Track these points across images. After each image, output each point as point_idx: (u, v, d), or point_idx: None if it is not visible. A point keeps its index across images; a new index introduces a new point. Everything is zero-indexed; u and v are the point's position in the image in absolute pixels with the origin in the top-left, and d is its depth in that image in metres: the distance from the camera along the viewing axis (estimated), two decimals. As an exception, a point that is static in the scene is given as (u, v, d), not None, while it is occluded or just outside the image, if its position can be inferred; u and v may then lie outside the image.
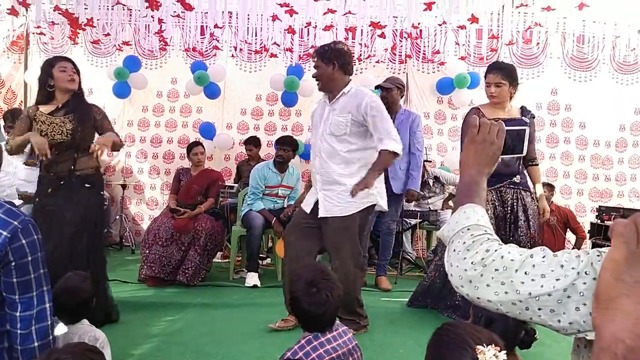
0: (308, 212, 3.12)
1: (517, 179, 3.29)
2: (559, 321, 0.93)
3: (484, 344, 1.02)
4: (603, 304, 0.47)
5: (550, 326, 0.94)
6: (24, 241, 1.47)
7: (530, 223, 3.27)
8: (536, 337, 2.85)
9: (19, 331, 1.50)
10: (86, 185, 3.06)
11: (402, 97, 4.48)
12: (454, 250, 1.05)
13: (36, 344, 1.52)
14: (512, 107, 3.32)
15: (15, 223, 1.45)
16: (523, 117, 3.23)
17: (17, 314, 1.49)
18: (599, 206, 5.51)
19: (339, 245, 3.03)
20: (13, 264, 1.46)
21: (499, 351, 1.01)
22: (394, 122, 4.20)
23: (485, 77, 3.32)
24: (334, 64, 2.97)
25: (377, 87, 4.40)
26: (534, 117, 3.37)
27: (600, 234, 5.16)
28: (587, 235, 5.34)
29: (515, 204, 3.27)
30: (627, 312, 0.45)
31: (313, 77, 3.09)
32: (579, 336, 0.94)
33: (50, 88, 3.04)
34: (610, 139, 5.98)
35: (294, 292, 1.76)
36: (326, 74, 2.99)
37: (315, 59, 3.02)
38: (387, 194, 4.19)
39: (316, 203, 3.09)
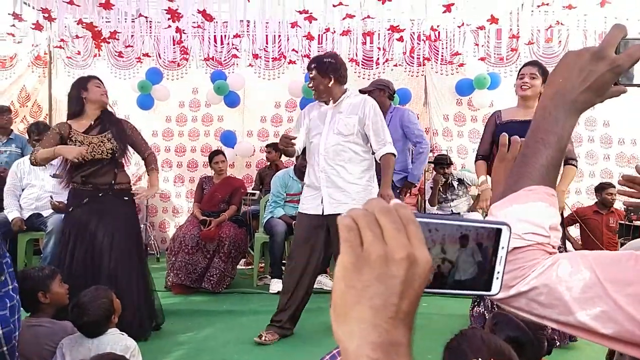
0: (320, 212, 3.12)
1: None
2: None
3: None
4: (341, 316, 0.44)
5: None
6: None
7: None
8: (555, 343, 2.82)
9: None
10: (124, 198, 3.16)
11: (391, 98, 4.40)
12: None
13: None
14: None
15: None
16: None
17: None
18: (627, 207, 5.39)
19: None
20: None
21: None
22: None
23: (518, 72, 3.24)
24: (330, 77, 3.08)
25: (360, 92, 4.32)
26: None
27: (629, 234, 5.05)
28: (617, 236, 5.23)
29: None
30: (362, 319, 0.43)
31: (309, 87, 3.20)
32: None
33: (85, 100, 3.08)
34: (635, 137, 5.85)
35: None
36: (323, 85, 3.10)
37: (312, 72, 3.12)
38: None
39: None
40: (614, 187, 5.09)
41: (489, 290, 0.54)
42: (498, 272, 0.53)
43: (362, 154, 3.14)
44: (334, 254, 3.25)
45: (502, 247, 0.52)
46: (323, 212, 3.10)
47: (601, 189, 5.08)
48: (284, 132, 3.18)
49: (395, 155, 3.16)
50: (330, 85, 3.08)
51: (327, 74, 3.06)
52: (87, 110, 3.11)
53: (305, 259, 3.15)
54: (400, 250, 0.43)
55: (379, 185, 3.24)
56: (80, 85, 3.10)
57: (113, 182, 3.10)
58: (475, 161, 3.28)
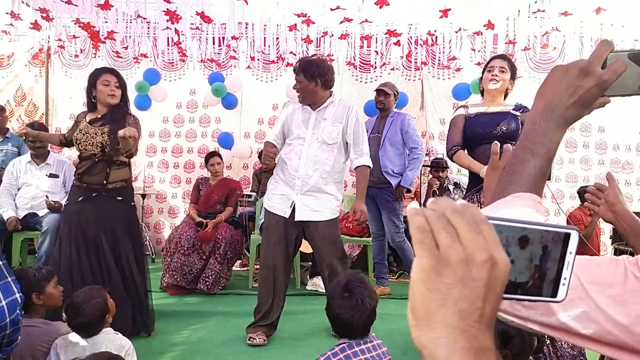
0: (287, 216, 3.10)
1: None
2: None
3: None
4: (424, 320, 0.43)
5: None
6: None
7: None
8: (546, 342, 2.85)
9: None
10: (117, 198, 3.12)
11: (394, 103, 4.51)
12: None
13: None
14: (505, 103, 3.05)
15: None
16: (511, 111, 2.97)
17: None
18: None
19: (325, 250, 3.10)
20: None
21: None
22: (385, 124, 4.28)
23: (486, 64, 3.06)
24: (316, 81, 3.04)
25: (376, 90, 4.39)
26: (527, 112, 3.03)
27: (622, 240, 5.08)
28: (610, 241, 5.26)
29: None
30: (449, 324, 0.42)
31: (294, 88, 3.16)
32: None
33: (94, 99, 3.14)
34: (630, 143, 5.90)
35: (329, 294, 1.80)
36: (308, 89, 3.06)
37: (297, 74, 3.07)
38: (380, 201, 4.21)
39: (293, 207, 3.10)
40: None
41: (555, 296, 0.52)
42: (565, 278, 0.52)
43: (341, 164, 3.17)
44: (318, 257, 3.23)
45: (570, 252, 0.51)
46: (294, 218, 3.07)
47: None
48: (269, 151, 3.05)
49: (370, 167, 3.19)
50: (316, 89, 3.05)
51: (313, 77, 3.02)
52: (98, 106, 3.16)
53: (279, 261, 3.11)
54: (481, 253, 0.43)
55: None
56: (91, 83, 3.14)
57: (105, 181, 3.08)
58: (452, 155, 3.05)
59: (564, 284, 0.52)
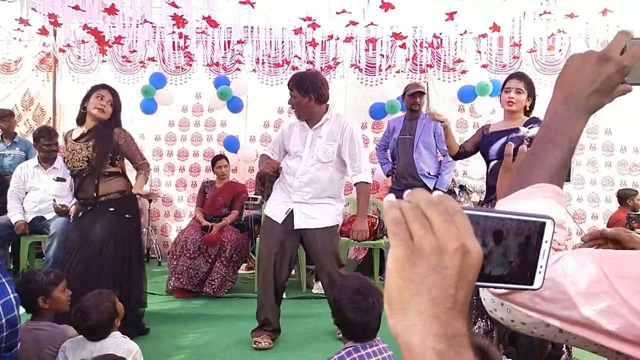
0: (280, 222, 3.13)
1: None
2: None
3: None
4: (399, 309, 0.44)
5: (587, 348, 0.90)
6: None
7: None
8: (564, 351, 2.81)
9: None
10: (110, 209, 3.11)
11: None
12: None
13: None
14: (524, 118, 3.10)
15: None
16: (520, 127, 3.02)
17: None
18: (629, 213, 5.39)
19: (323, 259, 3.12)
20: None
21: None
22: (417, 127, 4.29)
23: (504, 84, 3.13)
24: (310, 96, 3.05)
25: (414, 94, 4.39)
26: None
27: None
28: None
29: None
30: (422, 312, 0.43)
31: (289, 103, 3.18)
32: None
33: (84, 110, 3.16)
34: (637, 145, 5.86)
35: (338, 300, 1.79)
36: (302, 105, 3.07)
37: (292, 89, 3.09)
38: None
39: (289, 214, 3.13)
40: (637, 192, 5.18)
41: (532, 284, 0.53)
42: (541, 266, 0.53)
43: (337, 181, 3.19)
44: (317, 265, 3.26)
45: (546, 241, 0.52)
46: (293, 226, 3.10)
47: (631, 195, 5.09)
48: (270, 164, 3.07)
49: (370, 184, 3.21)
50: (309, 104, 3.06)
51: (307, 93, 3.04)
52: (87, 119, 3.17)
53: (270, 266, 3.13)
54: (453, 242, 0.44)
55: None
56: (86, 95, 3.18)
57: (95, 194, 3.09)
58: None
59: (540, 272, 0.53)
